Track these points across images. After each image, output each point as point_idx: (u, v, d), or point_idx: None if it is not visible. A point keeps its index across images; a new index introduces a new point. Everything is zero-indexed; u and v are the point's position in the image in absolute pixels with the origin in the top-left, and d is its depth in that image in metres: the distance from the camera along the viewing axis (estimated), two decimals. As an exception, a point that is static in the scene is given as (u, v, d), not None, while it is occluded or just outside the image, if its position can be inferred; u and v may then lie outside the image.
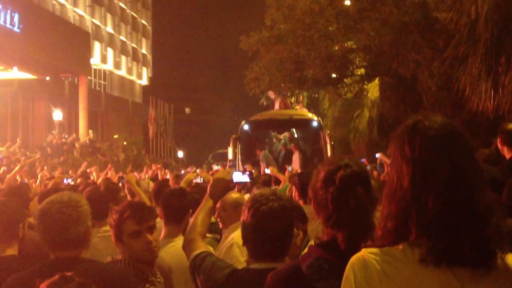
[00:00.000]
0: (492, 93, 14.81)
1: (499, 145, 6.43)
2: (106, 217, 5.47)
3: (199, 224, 3.69)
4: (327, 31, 22.05)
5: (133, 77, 60.92)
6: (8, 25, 28.33)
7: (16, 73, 31.81)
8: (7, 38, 28.08)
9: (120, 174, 18.72)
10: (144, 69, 64.04)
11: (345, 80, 25.27)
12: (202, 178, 8.62)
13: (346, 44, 23.28)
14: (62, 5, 45.37)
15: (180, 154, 56.69)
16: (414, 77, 21.61)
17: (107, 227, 4.47)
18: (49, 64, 33.43)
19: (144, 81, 64.00)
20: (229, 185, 4.18)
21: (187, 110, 69.99)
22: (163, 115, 53.59)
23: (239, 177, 4.23)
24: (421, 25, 19.93)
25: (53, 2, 43.68)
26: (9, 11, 28.43)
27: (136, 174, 21.46)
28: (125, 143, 41.60)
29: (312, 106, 34.37)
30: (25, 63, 30.62)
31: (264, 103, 32.10)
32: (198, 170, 22.33)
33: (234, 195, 5.89)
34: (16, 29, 29.02)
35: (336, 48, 23.48)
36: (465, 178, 2.07)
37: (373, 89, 27.43)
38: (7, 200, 4.69)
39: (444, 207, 2.03)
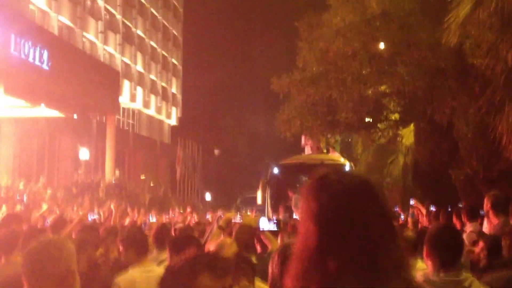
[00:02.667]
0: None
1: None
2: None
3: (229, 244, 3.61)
4: (360, 74, 21.38)
5: (162, 117, 60.80)
6: (37, 62, 28.15)
7: (43, 111, 31.64)
8: (36, 75, 27.88)
9: (143, 218, 18.14)
10: (174, 109, 63.93)
11: (378, 125, 24.44)
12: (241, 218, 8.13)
13: (379, 88, 22.55)
14: (92, 43, 45.47)
15: (208, 196, 55.95)
16: (450, 124, 20.77)
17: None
18: (77, 102, 33.21)
19: (173, 121, 63.84)
20: (256, 232, 4.05)
21: (216, 151, 69.56)
22: (191, 156, 53.11)
23: (266, 224, 4.21)
24: (457, 70, 19.17)
25: (83, 40, 43.76)
26: (38, 48, 28.28)
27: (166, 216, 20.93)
28: (152, 184, 41.09)
29: (345, 150, 33.63)
30: (53, 100, 30.43)
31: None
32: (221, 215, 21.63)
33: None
34: (45, 66, 28.82)
35: (370, 92, 22.77)
36: (372, 238, 1.98)
37: (407, 135, 26.56)
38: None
39: (347, 269, 1.94)
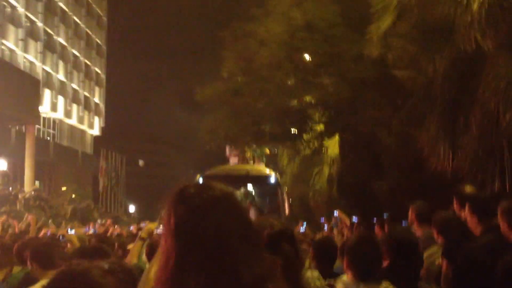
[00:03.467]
0: (451, 154, 14.28)
1: (458, 212, 5.64)
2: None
3: (151, 279, 3.24)
4: (284, 85, 21.47)
5: (84, 127, 59.46)
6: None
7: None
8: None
9: (63, 231, 17.67)
10: (96, 119, 62.65)
11: (303, 135, 24.59)
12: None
13: (304, 99, 22.71)
14: (12, 51, 44.08)
15: (132, 208, 55.04)
16: (373, 135, 21.09)
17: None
18: (-5, 111, 32.09)
19: (96, 131, 62.53)
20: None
21: (141, 162, 68.59)
22: (115, 167, 52.13)
23: None
24: (380, 82, 19.47)
25: (2, 47, 42.38)
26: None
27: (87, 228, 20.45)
28: (73, 195, 40.07)
29: (271, 162, 33.67)
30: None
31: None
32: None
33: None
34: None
35: (295, 102, 22.91)
36: (232, 252, 1.94)
37: (332, 146, 26.80)
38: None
39: (206, 283, 1.89)
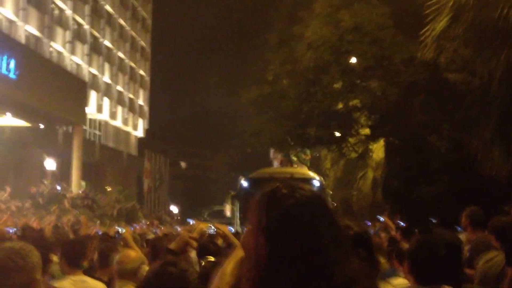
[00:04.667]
0: (507, 158, 14.07)
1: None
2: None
3: (228, 274, 3.16)
4: (331, 88, 21.32)
5: (129, 128, 60.14)
6: (3, 71, 27.56)
7: (9, 120, 31.00)
8: (2, 85, 27.29)
9: (115, 229, 18.05)
10: (140, 120, 63.30)
11: (349, 139, 24.42)
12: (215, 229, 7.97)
13: (351, 103, 22.53)
14: (59, 53, 44.82)
15: (174, 209, 55.36)
16: (422, 139, 20.83)
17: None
18: (44, 112, 32.65)
19: (140, 133, 63.18)
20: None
21: (183, 164, 68.98)
22: (158, 169, 52.57)
23: None
24: (430, 85, 19.20)
25: (51, 49, 43.12)
26: (5, 57, 27.72)
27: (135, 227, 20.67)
28: (120, 196, 40.54)
29: (314, 165, 33.56)
30: (20, 110, 29.86)
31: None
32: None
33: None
34: (12, 75, 28.24)
35: (340, 106, 22.75)
36: (324, 252, 1.97)
37: (378, 150, 26.58)
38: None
39: (299, 285, 1.92)
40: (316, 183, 20.35)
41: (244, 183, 21.20)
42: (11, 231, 10.82)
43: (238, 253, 3.48)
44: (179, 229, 22.89)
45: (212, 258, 4.94)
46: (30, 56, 33.38)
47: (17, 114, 30.02)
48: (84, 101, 40.15)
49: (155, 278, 2.97)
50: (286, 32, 22.77)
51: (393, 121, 21.52)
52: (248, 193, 20.95)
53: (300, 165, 30.38)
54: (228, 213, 23.99)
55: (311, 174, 24.28)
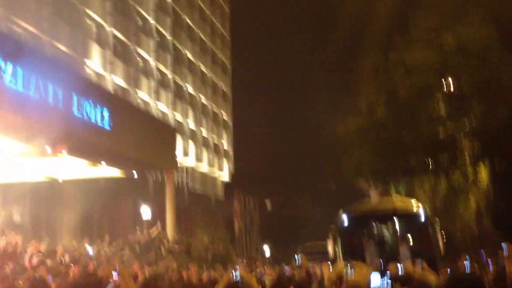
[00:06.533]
0: None
1: None
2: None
3: None
4: (435, 113, 20.55)
5: (215, 173, 60.47)
6: (99, 122, 28.03)
7: (103, 170, 31.43)
8: (97, 135, 27.73)
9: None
10: (225, 164, 63.64)
11: (452, 166, 23.51)
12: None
13: (456, 128, 21.65)
14: (145, 102, 45.69)
15: (267, 250, 54.90)
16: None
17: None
18: (137, 159, 32.98)
19: (225, 177, 63.45)
20: None
21: (268, 203, 68.64)
22: (248, 210, 52.45)
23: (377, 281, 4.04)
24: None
25: (138, 100, 44.03)
26: (98, 107, 28.20)
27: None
28: (211, 240, 40.48)
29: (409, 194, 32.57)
30: (114, 159, 30.25)
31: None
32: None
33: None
34: (106, 125, 28.68)
35: (445, 131, 21.91)
36: None
37: (481, 176, 25.45)
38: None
39: None
40: (423, 215, 19.54)
41: (345, 217, 20.57)
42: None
43: None
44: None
45: None
46: (122, 105, 33.97)
47: (111, 163, 30.36)
48: (174, 147, 40.54)
49: None
50: (381, 59, 22.25)
51: (499, 145, 20.57)
52: (350, 228, 20.33)
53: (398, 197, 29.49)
54: (330, 250, 23.38)
55: (414, 205, 23.45)
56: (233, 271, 19.02)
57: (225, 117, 65.27)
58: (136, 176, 35.98)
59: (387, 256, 18.71)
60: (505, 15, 18.18)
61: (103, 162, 29.61)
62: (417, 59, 19.83)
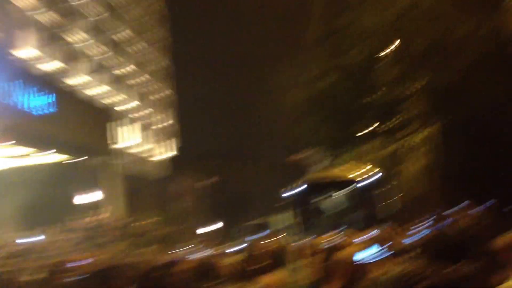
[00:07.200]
0: None
1: None
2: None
3: None
4: (383, 77, 20.07)
5: (160, 153, 59.65)
6: (37, 109, 27.15)
7: (43, 158, 30.65)
8: (37, 122, 26.87)
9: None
10: (170, 142, 62.84)
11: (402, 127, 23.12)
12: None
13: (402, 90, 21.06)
14: (83, 86, 44.45)
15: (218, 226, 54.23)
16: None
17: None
18: (79, 145, 32.33)
19: (172, 156, 62.69)
20: None
21: (213, 180, 67.95)
22: (197, 187, 51.74)
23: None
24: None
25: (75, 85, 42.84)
26: (36, 93, 27.34)
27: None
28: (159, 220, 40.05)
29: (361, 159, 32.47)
30: (54, 145, 29.48)
31: None
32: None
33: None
34: (45, 112, 27.92)
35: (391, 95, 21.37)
36: None
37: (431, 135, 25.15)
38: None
39: None
40: (373, 180, 19.51)
41: (302, 189, 20.31)
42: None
43: None
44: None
45: None
46: (59, 91, 32.92)
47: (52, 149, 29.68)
48: (115, 130, 39.78)
49: None
50: (329, 26, 21.67)
51: (451, 101, 20.18)
52: (308, 198, 20.12)
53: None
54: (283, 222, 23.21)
55: (366, 171, 23.31)
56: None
57: (168, 94, 64.14)
58: (73, 162, 35.23)
59: (347, 224, 18.65)
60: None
61: (44, 149, 28.84)
62: (366, 23, 19.36)
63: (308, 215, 20.52)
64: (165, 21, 65.27)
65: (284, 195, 21.58)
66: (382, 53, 19.33)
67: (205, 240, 39.52)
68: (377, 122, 22.06)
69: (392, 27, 18.66)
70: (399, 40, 19.21)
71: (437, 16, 17.74)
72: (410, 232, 13.28)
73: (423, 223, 14.87)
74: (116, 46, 51.40)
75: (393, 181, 22.76)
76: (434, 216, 15.42)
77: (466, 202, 13.92)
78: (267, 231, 24.30)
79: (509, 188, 18.83)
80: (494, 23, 13.54)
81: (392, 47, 19.39)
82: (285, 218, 22.44)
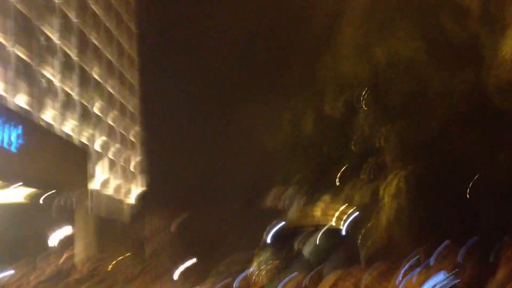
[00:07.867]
0: None
1: None
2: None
3: None
4: (360, 128, 20.31)
5: (125, 195, 58.98)
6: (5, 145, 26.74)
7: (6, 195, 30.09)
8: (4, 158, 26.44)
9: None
10: (134, 186, 62.23)
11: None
12: None
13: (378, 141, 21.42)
14: (52, 123, 43.99)
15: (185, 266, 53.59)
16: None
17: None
18: (45, 182, 31.82)
19: (135, 196, 61.99)
20: None
21: (173, 227, 67.22)
22: (163, 229, 51.23)
23: None
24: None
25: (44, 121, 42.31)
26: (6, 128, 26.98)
27: None
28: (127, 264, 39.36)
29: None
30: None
31: None
32: None
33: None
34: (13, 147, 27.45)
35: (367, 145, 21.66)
36: None
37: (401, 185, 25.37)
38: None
39: None
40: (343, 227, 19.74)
41: (280, 229, 20.55)
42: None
43: None
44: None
45: None
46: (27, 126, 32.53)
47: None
48: (84, 168, 39.39)
49: None
50: (308, 74, 22.02)
51: (423, 154, 20.49)
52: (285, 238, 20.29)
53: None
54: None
55: (337, 217, 23.46)
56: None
57: (133, 136, 63.73)
58: (42, 201, 34.71)
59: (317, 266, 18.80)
60: (431, 30, 18.26)
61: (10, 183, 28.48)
62: (344, 74, 19.75)
63: (287, 254, 20.62)
64: (134, 62, 65.39)
65: (262, 235, 21.63)
66: (360, 101, 19.64)
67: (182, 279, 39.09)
68: (354, 165, 22.35)
69: (369, 80, 19.03)
70: (377, 89, 19.55)
71: (415, 67, 18.12)
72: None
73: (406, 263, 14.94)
74: (86, 83, 51.27)
75: (370, 222, 22.93)
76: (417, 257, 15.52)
77: (446, 242, 14.07)
78: (247, 270, 24.22)
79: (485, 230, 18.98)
80: (473, 78, 13.74)
81: (370, 96, 19.70)
82: (263, 257, 22.48)
